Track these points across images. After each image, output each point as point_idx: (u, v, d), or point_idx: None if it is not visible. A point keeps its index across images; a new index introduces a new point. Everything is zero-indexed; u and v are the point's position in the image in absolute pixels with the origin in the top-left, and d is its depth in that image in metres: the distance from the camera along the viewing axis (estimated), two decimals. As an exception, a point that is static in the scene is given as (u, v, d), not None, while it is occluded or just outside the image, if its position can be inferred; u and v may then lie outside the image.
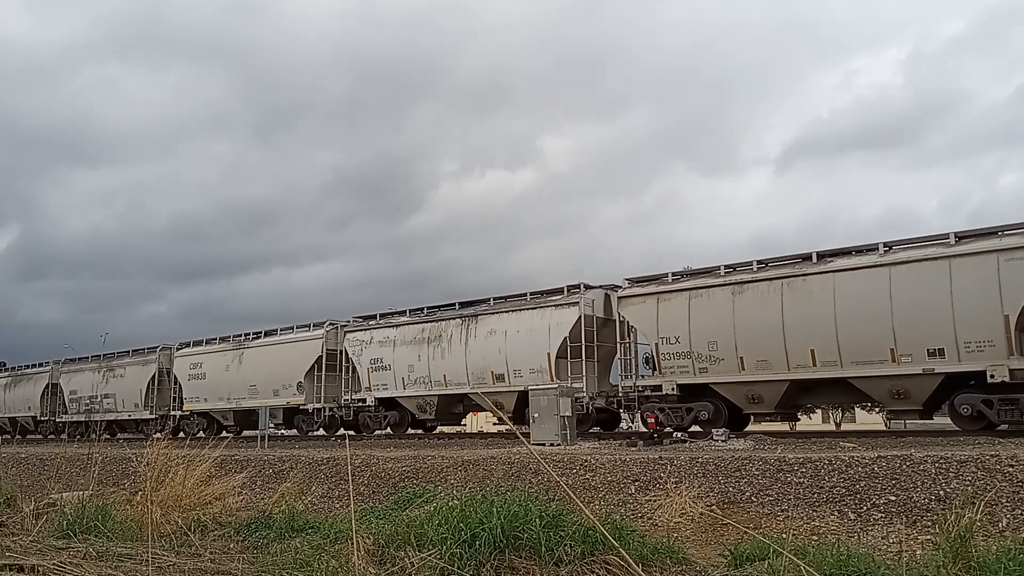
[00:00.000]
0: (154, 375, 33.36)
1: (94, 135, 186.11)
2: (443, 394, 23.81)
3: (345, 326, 27.47)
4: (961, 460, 10.13)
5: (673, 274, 20.09)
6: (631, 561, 5.53)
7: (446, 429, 28.14)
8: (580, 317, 21.05)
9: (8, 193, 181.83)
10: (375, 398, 25.53)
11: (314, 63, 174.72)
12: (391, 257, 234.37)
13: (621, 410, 21.68)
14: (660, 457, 12.74)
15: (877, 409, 26.31)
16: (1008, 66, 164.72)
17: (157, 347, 34.30)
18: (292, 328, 29.35)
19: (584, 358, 20.85)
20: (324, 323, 27.91)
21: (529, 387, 19.02)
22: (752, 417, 19.91)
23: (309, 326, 28.58)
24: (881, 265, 16.50)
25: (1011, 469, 9.61)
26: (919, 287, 15.89)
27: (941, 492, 9.58)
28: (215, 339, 32.12)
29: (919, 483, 9.91)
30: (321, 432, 27.93)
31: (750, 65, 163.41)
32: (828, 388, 17.94)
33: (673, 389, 19.09)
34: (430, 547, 7.17)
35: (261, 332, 30.41)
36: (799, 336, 17.24)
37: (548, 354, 21.32)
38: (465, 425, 28.91)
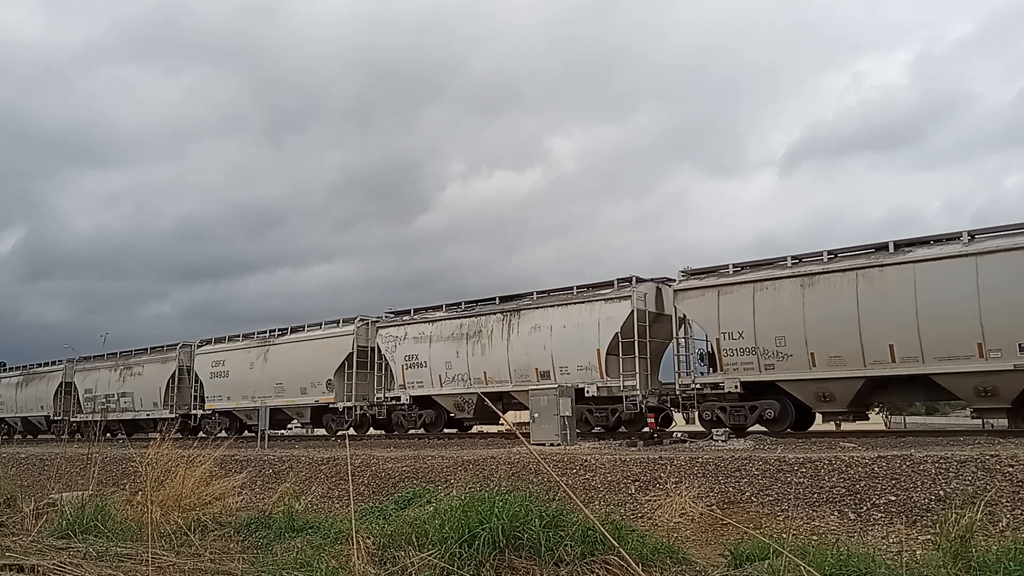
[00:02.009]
0: (174, 373, 34.71)
1: (104, 137, 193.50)
2: (483, 392, 24.34)
3: (377, 322, 28.24)
4: (961, 460, 10.64)
5: (734, 266, 20.31)
6: (631, 561, 5.87)
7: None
8: (632, 311, 21.38)
9: (17, 194, 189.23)
10: (410, 396, 26.27)
11: (326, 66, 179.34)
12: (396, 257, 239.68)
13: (674, 409, 21.95)
14: (660, 457, 13.41)
15: (877, 410, 26.22)
16: (1013, 68, 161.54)
17: (177, 344, 35.67)
18: (320, 324, 30.23)
19: (636, 354, 21.21)
20: (355, 319, 28.73)
21: (533, 388, 19.89)
22: (820, 416, 20.12)
23: (339, 322, 29.43)
24: (967, 255, 16.59)
25: (1011, 469, 10.08)
26: (1010, 277, 15.96)
27: (941, 492, 10.07)
28: (238, 336, 33.24)
29: (919, 483, 10.41)
30: (352, 431, 28.74)
31: (758, 66, 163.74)
32: (905, 385, 18.11)
33: (736, 387, 19.34)
34: (430, 547, 7.66)
35: (287, 328, 31.39)
36: (877, 330, 17.37)
37: (598, 350, 21.73)
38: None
